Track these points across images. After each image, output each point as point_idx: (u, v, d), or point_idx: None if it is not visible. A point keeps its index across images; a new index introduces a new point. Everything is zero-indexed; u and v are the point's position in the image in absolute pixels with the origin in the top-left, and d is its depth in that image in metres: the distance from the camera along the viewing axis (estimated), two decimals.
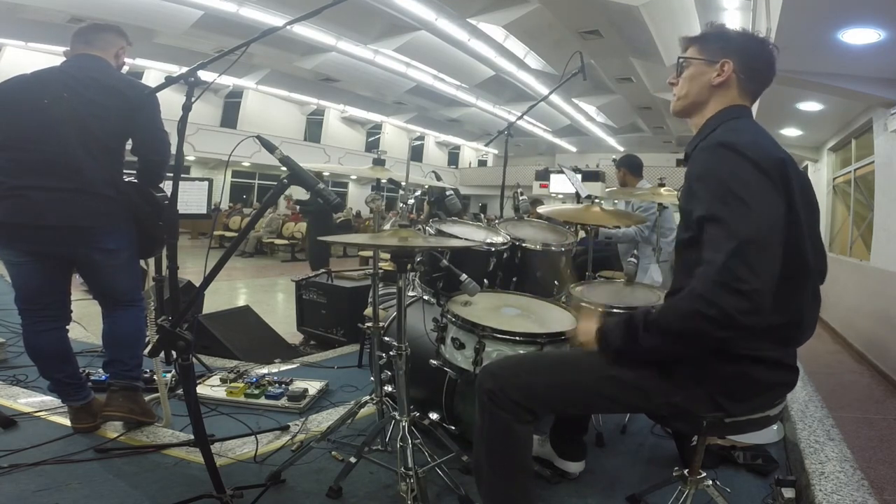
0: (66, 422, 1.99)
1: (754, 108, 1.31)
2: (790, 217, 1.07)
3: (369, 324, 2.03)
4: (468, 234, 2.01)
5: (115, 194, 1.89)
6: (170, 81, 1.60)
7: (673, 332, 1.05)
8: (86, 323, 3.43)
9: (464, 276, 1.70)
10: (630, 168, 3.80)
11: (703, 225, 1.05)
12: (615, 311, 1.71)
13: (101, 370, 2.28)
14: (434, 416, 1.87)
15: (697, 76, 1.23)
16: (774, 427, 2.21)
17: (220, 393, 2.39)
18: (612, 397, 1.21)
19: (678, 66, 1.26)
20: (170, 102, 1.88)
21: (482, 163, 26.07)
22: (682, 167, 1.25)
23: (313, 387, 2.50)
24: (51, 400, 2.18)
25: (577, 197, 3.27)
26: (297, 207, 7.88)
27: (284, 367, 2.97)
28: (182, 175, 1.72)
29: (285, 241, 11.73)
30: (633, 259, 2.05)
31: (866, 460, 2.31)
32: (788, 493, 1.70)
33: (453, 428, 1.90)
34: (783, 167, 1.07)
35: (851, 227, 5.83)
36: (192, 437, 1.60)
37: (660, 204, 2.66)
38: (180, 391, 2.33)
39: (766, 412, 1.21)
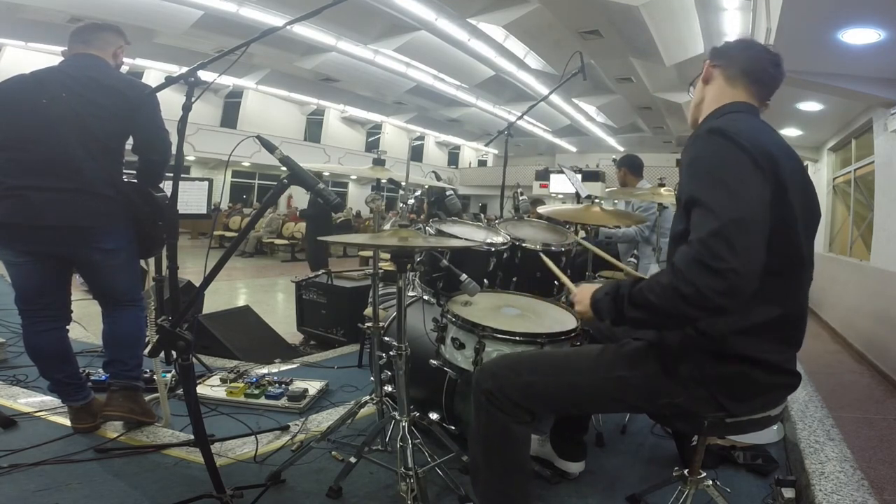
0: (66, 422, 1.99)
1: None
2: (782, 211, 1.07)
3: (369, 324, 2.03)
4: (468, 234, 2.00)
5: (114, 194, 1.89)
6: (170, 81, 1.60)
7: (654, 306, 1.05)
8: (86, 323, 3.43)
9: (464, 276, 1.70)
10: (630, 168, 3.80)
11: (691, 208, 1.06)
12: None
13: (101, 370, 2.28)
14: (434, 416, 1.87)
15: (696, 87, 1.35)
16: (774, 427, 2.21)
17: (220, 393, 2.39)
18: (614, 397, 1.21)
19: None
20: (170, 102, 1.88)
21: (482, 163, 26.06)
22: None
23: (313, 387, 2.50)
24: (51, 400, 2.18)
25: (577, 197, 3.27)
26: (298, 210, 7.92)
27: (284, 367, 2.97)
28: (182, 175, 1.72)
29: (285, 241, 11.76)
30: (633, 259, 2.05)
31: (866, 460, 2.31)
32: (788, 493, 1.70)
33: (453, 428, 1.90)
34: (774, 159, 1.07)
35: (851, 227, 5.83)
36: (192, 437, 1.60)
37: (660, 204, 2.66)
38: (180, 391, 2.33)
39: (767, 412, 1.21)
